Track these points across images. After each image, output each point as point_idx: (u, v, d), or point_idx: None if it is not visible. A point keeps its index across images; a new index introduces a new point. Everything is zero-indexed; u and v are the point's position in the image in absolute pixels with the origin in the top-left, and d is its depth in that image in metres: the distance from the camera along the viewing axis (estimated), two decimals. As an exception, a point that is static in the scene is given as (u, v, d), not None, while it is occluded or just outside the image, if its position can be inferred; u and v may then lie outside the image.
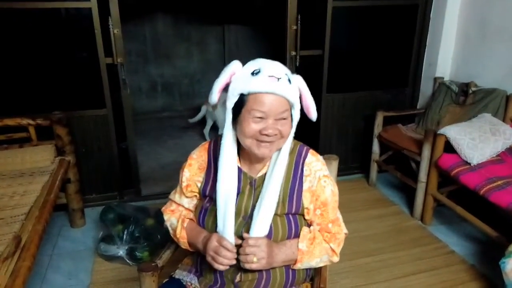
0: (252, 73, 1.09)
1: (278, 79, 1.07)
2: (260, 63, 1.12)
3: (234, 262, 1.12)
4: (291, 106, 1.13)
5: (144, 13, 4.80)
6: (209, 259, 1.14)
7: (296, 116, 1.15)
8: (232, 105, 1.12)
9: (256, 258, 1.10)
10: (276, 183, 1.15)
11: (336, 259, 1.25)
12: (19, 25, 2.42)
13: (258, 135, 1.11)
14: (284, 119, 1.11)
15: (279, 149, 1.17)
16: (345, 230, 1.28)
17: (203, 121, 4.24)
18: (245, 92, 1.09)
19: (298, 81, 1.16)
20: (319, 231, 1.23)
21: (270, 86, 1.07)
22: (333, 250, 1.23)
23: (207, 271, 1.25)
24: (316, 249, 1.20)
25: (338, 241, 1.24)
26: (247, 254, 1.10)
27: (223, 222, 1.15)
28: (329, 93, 3.12)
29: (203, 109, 4.16)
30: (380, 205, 2.93)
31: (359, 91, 3.21)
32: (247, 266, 1.11)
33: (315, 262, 1.22)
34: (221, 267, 1.12)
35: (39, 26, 2.46)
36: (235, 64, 1.13)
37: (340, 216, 1.28)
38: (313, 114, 1.19)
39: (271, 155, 1.17)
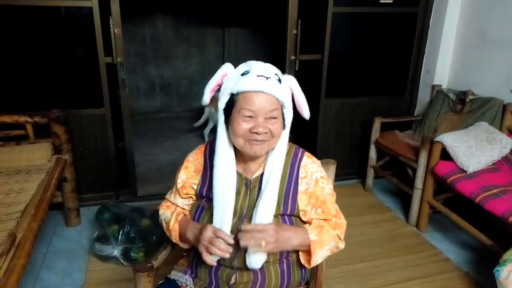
0: (242, 74, 1.13)
1: (267, 78, 1.11)
2: (250, 64, 1.15)
3: (227, 256, 1.11)
4: (282, 106, 1.15)
5: (144, 13, 4.81)
6: (201, 249, 1.13)
7: (289, 116, 1.17)
8: (223, 105, 1.16)
9: (264, 243, 1.11)
10: (275, 183, 1.17)
11: (342, 245, 1.29)
12: (19, 22, 2.41)
13: (248, 134, 1.13)
14: (274, 118, 1.13)
15: (273, 149, 1.19)
16: (344, 221, 1.31)
17: (204, 123, 4.24)
18: (234, 91, 1.13)
19: (290, 81, 1.19)
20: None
21: (259, 85, 1.10)
22: (339, 237, 1.27)
23: (202, 273, 1.25)
24: (325, 236, 1.22)
25: (343, 229, 1.29)
26: (256, 239, 1.10)
27: (220, 222, 1.15)
28: (328, 98, 3.13)
29: (207, 110, 4.15)
30: (375, 211, 2.93)
31: (358, 96, 3.23)
32: (257, 249, 1.11)
33: (325, 249, 1.23)
34: (211, 259, 1.12)
35: (39, 24, 2.46)
36: (227, 66, 1.19)
37: (338, 209, 1.32)
38: (305, 112, 1.21)
39: (263, 153, 1.18)
